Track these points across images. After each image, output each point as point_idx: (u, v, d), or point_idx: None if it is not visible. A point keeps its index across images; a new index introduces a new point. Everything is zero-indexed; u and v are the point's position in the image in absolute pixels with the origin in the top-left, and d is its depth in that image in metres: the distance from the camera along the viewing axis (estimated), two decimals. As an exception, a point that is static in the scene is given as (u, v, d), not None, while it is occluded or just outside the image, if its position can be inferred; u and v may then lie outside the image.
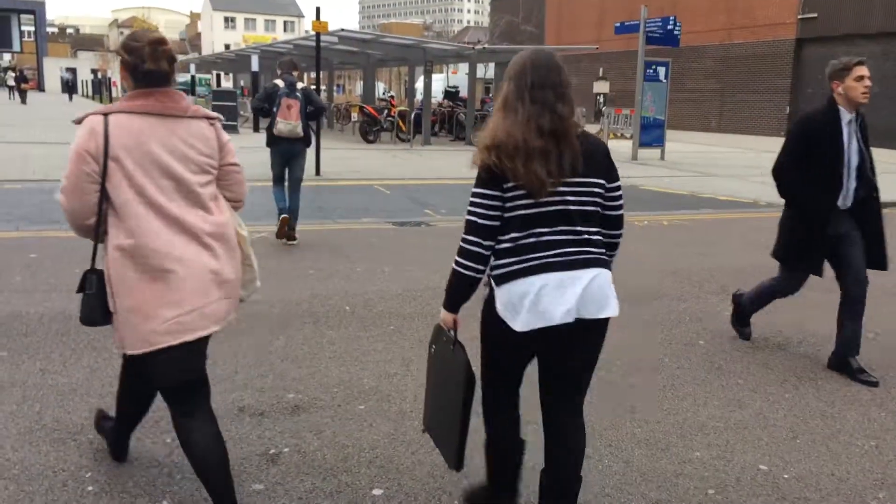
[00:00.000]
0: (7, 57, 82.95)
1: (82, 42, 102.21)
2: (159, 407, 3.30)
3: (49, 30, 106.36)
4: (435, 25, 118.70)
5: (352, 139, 21.65)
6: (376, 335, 4.52)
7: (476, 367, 2.47)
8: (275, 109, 7.00)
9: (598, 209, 2.41)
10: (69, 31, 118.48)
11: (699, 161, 18.71)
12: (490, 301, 2.38)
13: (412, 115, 20.18)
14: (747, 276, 6.22)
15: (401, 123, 20.63)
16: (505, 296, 2.31)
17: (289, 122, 6.97)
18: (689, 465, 3.14)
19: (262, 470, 2.93)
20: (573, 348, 2.41)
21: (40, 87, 73.29)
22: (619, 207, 2.48)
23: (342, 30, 17.87)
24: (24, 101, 40.13)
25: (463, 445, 2.50)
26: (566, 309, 2.26)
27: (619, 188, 2.46)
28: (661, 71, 18.13)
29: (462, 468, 2.57)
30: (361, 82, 61.75)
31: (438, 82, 41.22)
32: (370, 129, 20.17)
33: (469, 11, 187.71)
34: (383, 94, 31.40)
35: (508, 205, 2.32)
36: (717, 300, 5.56)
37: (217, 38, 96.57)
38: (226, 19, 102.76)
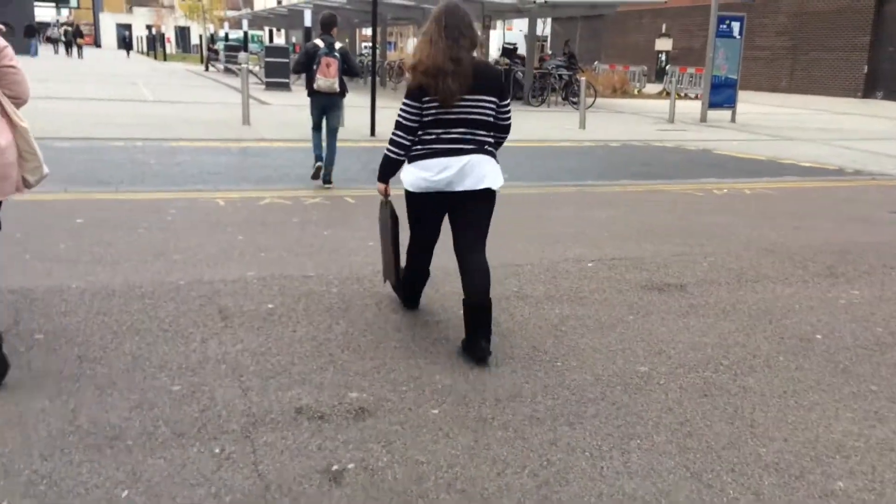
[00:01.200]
0: (65, 13, 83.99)
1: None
2: (226, 418, 2.89)
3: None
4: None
5: (397, 96, 21.08)
6: (447, 321, 4.04)
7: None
8: (315, 67, 7.61)
9: (491, 119, 3.55)
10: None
11: (773, 123, 17.65)
12: (405, 174, 3.59)
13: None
14: (855, 258, 5.56)
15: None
16: (413, 170, 3.53)
17: (328, 79, 7.61)
18: (832, 499, 2.60)
19: (325, 493, 2.49)
20: (465, 208, 3.60)
21: (97, 43, 74.17)
22: (508, 119, 3.67)
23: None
24: (80, 55, 40.46)
25: (398, 267, 3.98)
26: (448, 181, 3.47)
27: (508, 105, 3.62)
28: (736, 26, 17.03)
29: (397, 282, 4.09)
30: (414, 39, 60.83)
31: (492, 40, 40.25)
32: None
33: None
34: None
35: (425, 111, 3.44)
36: (828, 285, 4.93)
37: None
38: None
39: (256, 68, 32.89)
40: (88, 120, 12.44)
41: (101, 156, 9.32)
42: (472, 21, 3.54)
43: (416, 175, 3.55)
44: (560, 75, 20.49)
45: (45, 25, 51.37)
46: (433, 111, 3.45)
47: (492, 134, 3.62)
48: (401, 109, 3.52)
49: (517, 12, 20.68)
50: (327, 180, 7.86)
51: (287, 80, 20.72)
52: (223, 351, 3.51)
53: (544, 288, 4.64)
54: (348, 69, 7.86)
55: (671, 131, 15.31)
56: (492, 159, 3.60)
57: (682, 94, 24.58)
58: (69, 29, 44.75)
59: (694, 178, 9.66)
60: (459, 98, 3.42)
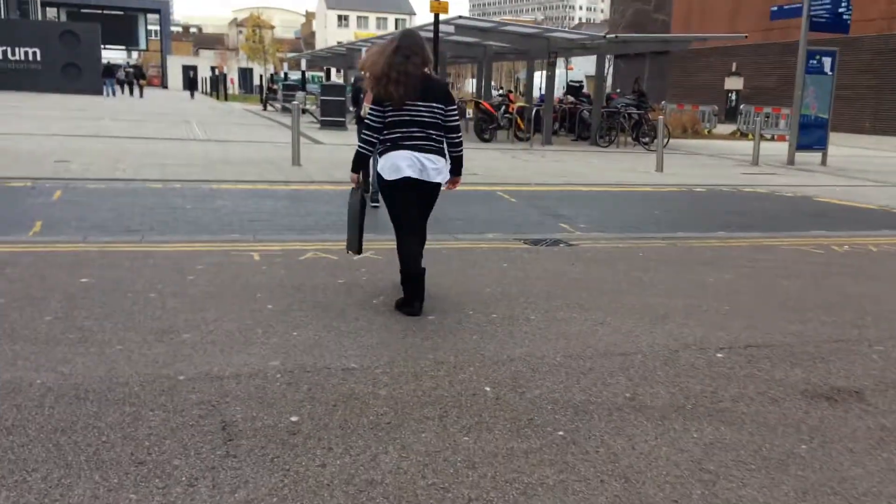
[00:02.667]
0: (135, 55, 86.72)
1: (204, 40, 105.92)
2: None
3: (173, 29, 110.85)
4: (545, 23, 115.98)
5: (465, 137, 20.13)
6: (538, 449, 2.84)
7: None
8: (361, 96, 7.81)
9: (439, 121, 4.41)
10: (192, 29, 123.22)
11: (869, 167, 16.06)
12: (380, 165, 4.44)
13: (532, 112, 18.45)
14: None
15: (519, 121, 18.92)
16: (383, 161, 4.39)
17: None
18: None
19: None
20: (422, 193, 4.45)
21: (163, 84, 76.03)
22: (455, 120, 4.51)
23: (460, 17, 16.33)
24: (141, 95, 41.03)
25: (361, 239, 4.81)
26: (411, 170, 4.30)
27: (454, 110, 4.51)
28: (827, 62, 15.63)
29: (361, 253, 4.99)
30: (473, 79, 60.38)
31: (539, 79, 39.22)
32: (486, 127, 18.56)
33: (581, 8, 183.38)
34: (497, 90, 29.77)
35: (387, 114, 4.32)
36: None
37: (330, 36, 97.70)
38: (339, 17, 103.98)
39: (313, 107, 32.63)
40: (130, 159, 11.74)
41: (134, 199, 8.47)
42: (425, 45, 4.49)
43: (386, 165, 4.35)
44: (629, 114, 19.29)
45: (117, 67, 52.91)
46: (391, 113, 4.30)
47: (442, 134, 4.43)
48: (367, 113, 4.44)
49: (583, 48, 19.62)
50: (375, 200, 7.98)
51: (343, 119, 20.01)
52: None
53: (667, 393, 3.41)
54: None
55: (758, 175, 13.90)
56: (441, 158, 4.44)
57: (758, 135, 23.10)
58: (130, 70, 45.74)
59: (802, 230, 8.30)
60: (411, 103, 4.29)
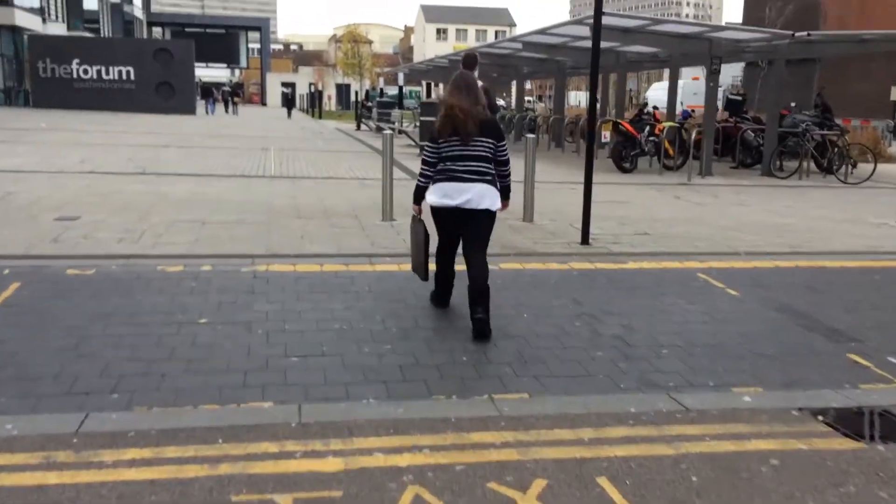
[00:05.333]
0: (236, 73, 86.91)
1: (303, 57, 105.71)
2: None
3: (275, 47, 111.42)
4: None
5: (601, 166, 16.30)
6: None
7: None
8: None
9: (490, 154, 4.80)
10: (293, 47, 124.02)
11: None
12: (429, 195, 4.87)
13: (674, 134, 14.51)
14: None
15: (668, 146, 14.97)
16: (434, 190, 4.80)
17: None
18: None
19: None
20: (471, 223, 4.81)
21: (262, 101, 75.38)
22: (504, 155, 4.91)
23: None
24: (235, 112, 39.29)
25: (426, 268, 5.20)
26: (462, 200, 4.70)
27: (504, 146, 4.90)
28: None
29: (427, 280, 5.26)
30: (577, 92, 56.05)
31: (659, 91, 34.62)
32: (627, 154, 14.71)
33: (689, 4, 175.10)
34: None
35: (442, 149, 4.75)
36: None
37: (429, 50, 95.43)
38: (438, 31, 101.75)
39: (411, 127, 29.42)
40: (162, 212, 8.57)
41: (121, 303, 5.17)
42: (477, 84, 4.94)
43: (436, 195, 4.79)
44: (811, 134, 14.98)
45: (216, 87, 52.10)
46: (447, 148, 4.75)
47: (492, 167, 4.84)
48: (425, 151, 4.89)
49: (757, 52, 15.39)
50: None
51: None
52: None
53: None
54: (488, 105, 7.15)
55: None
56: (492, 187, 4.82)
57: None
58: (227, 89, 44.57)
59: None
60: (466, 139, 4.73)
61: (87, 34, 47.06)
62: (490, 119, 4.96)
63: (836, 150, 15.05)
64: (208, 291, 5.47)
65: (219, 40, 68.64)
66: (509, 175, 5.01)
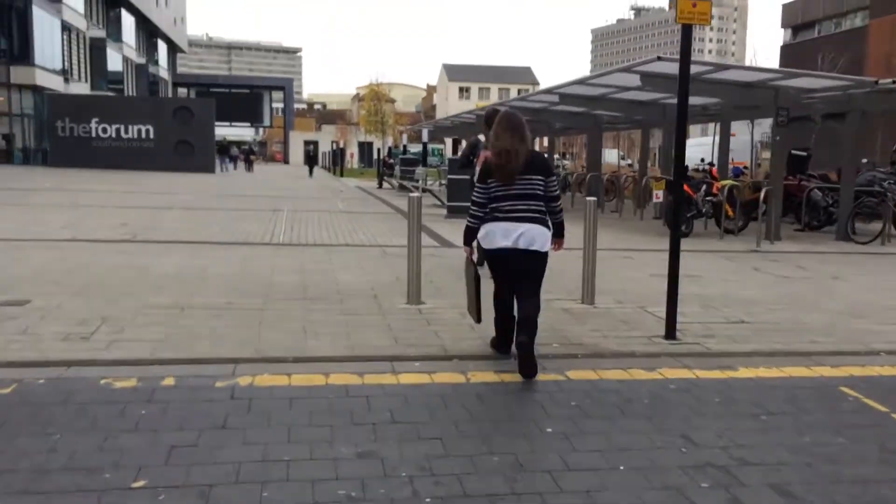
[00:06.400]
0: (261, 132, 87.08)
1: (326, 116, 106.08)
2: None
3: (298, 106, 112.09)
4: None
5: (642, 228, 14.61)
6: None
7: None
8: (473, 160, 8.03)
9: (540, 192, 4.78)
10: (317, 106, 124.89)
11: None
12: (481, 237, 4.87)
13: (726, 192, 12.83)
14: None
15: (728, 208, 13.28)
16: (483, 232, 4.83)
17: None
18: None
19: None
20: (522, 263, 4.75)
21: (285, 160, 75.03)
22: (555, 191, 4.89)
23: (658, 58, 11.04)
24: (250, 170, 38.47)
25: (479, 311, 5.13)
26: (510, 241, 4.69)
27: (554, 181, 4.88)
28: None
29: (481, 322, 5.24)
30: (611, 149, 54.77)
31: (693, 148, 33.05)
32: (682, 215, 13.02)
33: (711, 40, 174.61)
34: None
35: (491, 189, 4.75)
36: None
37: (451, 108, 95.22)
38: (460, 90, 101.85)
39: (437, 186, 28.03)
40: (136, 294, 6.97)
41: (36, 443, 3.51)
42: (525, 123, 4.84)
43: (484, 235, 4.81)
44: (894, 194, 13.22)
45: (231, 145, 51.77)
46: (495, 188, 4.74)
47: (542, 204, 4.81)
48: (475, 192, 4.85)
49: (829, 103, 13.72)
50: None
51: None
52: None
53: None
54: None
55: None
56: (544, 227, 4.79)
57: None
58: (245, 148, 44.29)
59: None
60: (516, 177, 4.71)
61: (110, 94, 46.81)
62: (538, 154, 4.96)
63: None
64: (161, 425, 3.80)
65: (243, 100, 68.87)
66: (561, 211, 5.00)
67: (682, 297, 6.61)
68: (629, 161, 42.43)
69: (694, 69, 11.96)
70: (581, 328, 6.07)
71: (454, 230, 11.94)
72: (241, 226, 12.80)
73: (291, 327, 5.78)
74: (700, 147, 30.70)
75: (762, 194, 12.35)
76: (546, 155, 30.73)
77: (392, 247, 10.62)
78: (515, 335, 4.73)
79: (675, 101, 15.72)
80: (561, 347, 5.43)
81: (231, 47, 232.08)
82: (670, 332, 5.75)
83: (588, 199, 6.96)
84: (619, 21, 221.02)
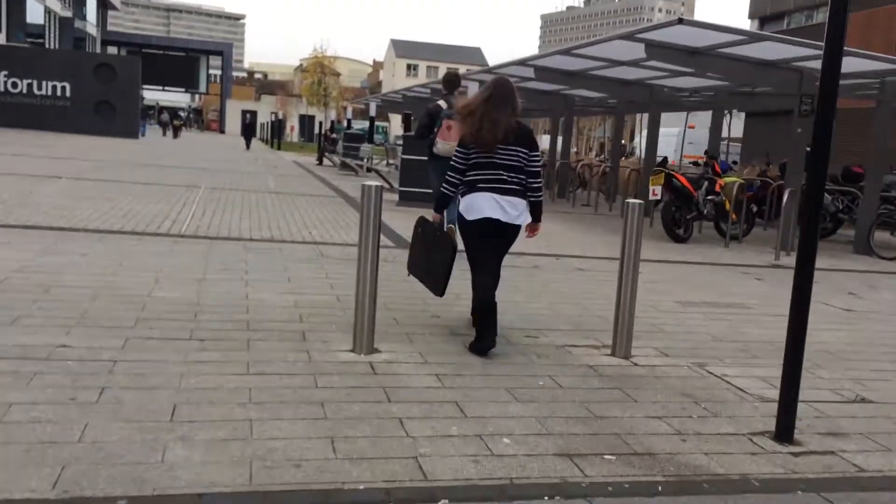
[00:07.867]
0: (196, 98, 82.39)
1: (267, 86, 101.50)
2: None
3: (237, 74, 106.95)
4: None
5: (651, 233, 12.48)
6: None
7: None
8: (436, 129, 7.21)
9: (522, 165, 4.48)
10: (257, 75, 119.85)
11: None
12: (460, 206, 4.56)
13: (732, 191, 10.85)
14: None
15: (727, 206, 11.26)
16: (464, 202, 4.51)
17: (447, 142, 6.93)
18: None
19: None
20: (498, 234, 4.53)
21: (221, 129, 70.94)
22: (536, 166, 4.54)
23: (680, 20, 8.81)
24: (175, 136, 35.23)
25: (446, 284, 4.53)
26: (491, 211, 4.41)
27: (537, 156, 4.55)
28: None
29: (443, 296, 4.68)
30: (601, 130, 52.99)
31: (670, 137, 31.50)
32: (682, 217, 10.94)
33: (661, 10, 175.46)
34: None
35: (471, 156, 4.47)
36: None
37: (398, 84, 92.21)
38: (408, 66, 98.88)
39: (383, 165, 25.50)
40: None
41: None
42: (515, 93, 4.54)
43: (467, 206, 4.49)
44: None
45: (177, 110, 48.48)
46: (476, 156, 4.47)
47: (522, 177, 4.51)
48: (454, 156, 4.55)
49: (866, 88, 11.76)
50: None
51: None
52: None
53: None
54: None
55: None
56: (523, 200, 4.54)
57: None
58: (167, 113, 41.27)
59: None
60: (497, 147, 4.42)
61: (25, 45, 42.46)
62: (525, 127, 4.63)
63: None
64: None
65: (178, 63, 64.64)
66: (540, 189, 4.63)
67: (744, 343, 4.52)
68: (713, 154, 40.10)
69: (716, 38, 9.78)
70: (633, 414, 3.79)
71: (410, 222, 9.49)
72: (139, 206, 10.10)
73: (152, 408, 3.31)
74: (666, 138, 28.93)
75: (768, 195, 10.34)
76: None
77: (332, 245, 8.18)
78: (478, 331, 4.53)
79: (666, 81, 13.60)
80: (620, 464, 3.15)
81: (170, 10, 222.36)
82: (785, 433, 3.54)
83: (630, 201, 4.69)
84: (569, 8, 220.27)
